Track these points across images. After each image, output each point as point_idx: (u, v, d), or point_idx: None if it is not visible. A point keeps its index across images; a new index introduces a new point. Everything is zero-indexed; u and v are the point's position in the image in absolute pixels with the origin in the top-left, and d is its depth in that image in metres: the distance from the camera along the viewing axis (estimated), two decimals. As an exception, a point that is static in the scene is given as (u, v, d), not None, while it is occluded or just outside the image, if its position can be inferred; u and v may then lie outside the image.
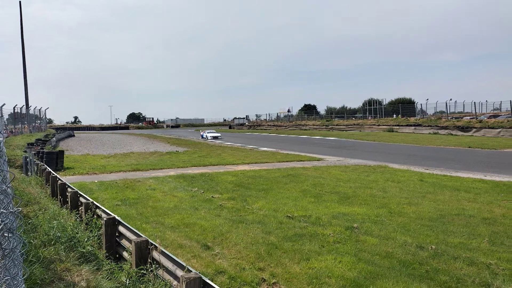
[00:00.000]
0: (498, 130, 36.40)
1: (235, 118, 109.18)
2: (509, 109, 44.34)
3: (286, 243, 6.48)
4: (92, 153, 26.36)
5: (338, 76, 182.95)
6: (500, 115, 47.25)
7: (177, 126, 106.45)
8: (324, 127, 61.40)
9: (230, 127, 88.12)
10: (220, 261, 5.81)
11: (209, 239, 6.79)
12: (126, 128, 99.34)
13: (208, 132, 43.88)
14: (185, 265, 4.31)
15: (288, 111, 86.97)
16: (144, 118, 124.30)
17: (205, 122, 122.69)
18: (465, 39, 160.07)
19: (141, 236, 5.34)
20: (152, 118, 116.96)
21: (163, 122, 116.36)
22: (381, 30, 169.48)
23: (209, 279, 4.23)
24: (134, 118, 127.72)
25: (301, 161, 19.26)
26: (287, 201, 9.79)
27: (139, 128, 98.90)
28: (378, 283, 4.94)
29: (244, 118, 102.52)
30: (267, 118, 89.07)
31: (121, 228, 5.94)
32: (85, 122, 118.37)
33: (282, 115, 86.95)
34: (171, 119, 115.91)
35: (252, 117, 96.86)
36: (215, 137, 41.75)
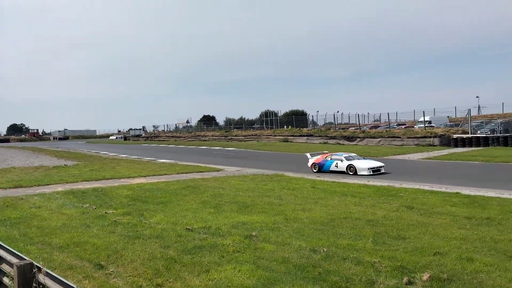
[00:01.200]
0: (378, 139, 40.25)
1: (131, 129, 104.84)
2: (387, 120, 49.40)
3: (186, 256, 6.39)
4: (-37, 169, 23.28)
5: (236, 88, 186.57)
6: (379, 126, 52.35)
7: (65, 138, 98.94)
8: (223, 137, 62.05)
9: (125, 139, 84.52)
10: (115, 280, 5.51)
11: (103, 258, 6.41)
12: (7, 140, 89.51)
13: (352, 160, 18.77)
14: (75, 287, 4.02)
15: (187, 122, 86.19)
16: (27, 129, 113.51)
17: (98, 133, 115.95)
18: (350, 57, 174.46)
19: (25, 259, 4.85)
20: (37, 129, 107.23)
21: (50, 134, 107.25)
22: (273, 46, 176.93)
23: (103, 300, 3.99)
24: (16, 129, 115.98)
25: (200, 172, 19.20)
26: (186, 213, 9.67)
27: (21, 140, 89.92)
28: (276, 288, 5.10)
29: (140, 129, 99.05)
30: (166, 129, 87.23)
31: (0, 252, 5.34)
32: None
33: (181, 126, 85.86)
34: (59, 131, 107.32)
35: (149, 128, 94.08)
36: (376, 170, 17.94)
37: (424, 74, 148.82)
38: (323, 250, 6.55)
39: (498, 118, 42.03)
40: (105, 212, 9.89)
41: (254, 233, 7.61)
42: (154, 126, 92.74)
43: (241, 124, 78.11)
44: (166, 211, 9.97)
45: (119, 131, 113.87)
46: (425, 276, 5.29)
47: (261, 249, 6.71)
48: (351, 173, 17.83)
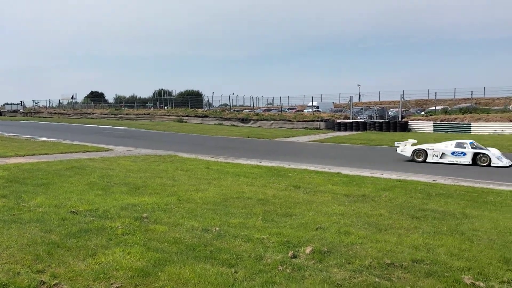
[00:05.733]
0: (271, 122, 41.84)
1: (7, 103, 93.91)
2: (280, 103, 51.52)
3: (70, 240, 6.03)
4: None
5: (127, 64, 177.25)
6: (272, 109, 54.42)
7: None
8: (113, 116, 59.03)
9: (0, 114, 75.82)
10: (-13, 269, 4.99)
11: (-28, 246, 5.74)
12: None
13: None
14: None
15: (72, 98, 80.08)
16: None
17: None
18: (247, 39, 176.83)
19: None
20: None
21: None
22: (170, 23, 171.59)
23: (-29, 291, 3.61)
24: None
25: (87, 151, 18.08)
26: (71, 195, 9.07)
27: None
28: (167, 268, 5.09)
29: (18, 104, 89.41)
30: (48, 105, 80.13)
31: None
32: None
33: (65, 102, 79.57)
34: None
35: (29, 104, 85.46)
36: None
37: (314, 61, 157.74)
38: (215, 229, 6.68)
39: (375, 106, 46.53)
40: (-26, 196, 8.83)
41: (145, 215, 7.45)
42: (34, 101, 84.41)
43: (133, 102, 75.10)
44: (48, 193, 9.24)
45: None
46: (308, 250, 5.72)
47: (152, 231, 6.61)
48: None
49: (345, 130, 36.62)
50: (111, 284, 4.67)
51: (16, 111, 77.54)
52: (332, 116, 41.01)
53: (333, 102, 55.94)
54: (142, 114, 56.33)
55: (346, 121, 38.34)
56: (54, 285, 4.61)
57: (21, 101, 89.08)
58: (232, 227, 6.88)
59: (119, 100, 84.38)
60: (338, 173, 12.91)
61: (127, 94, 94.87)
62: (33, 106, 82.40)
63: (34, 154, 16.63)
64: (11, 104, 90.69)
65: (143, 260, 5.36)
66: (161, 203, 8.45)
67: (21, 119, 61.37)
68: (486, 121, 33.46)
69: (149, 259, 5.39)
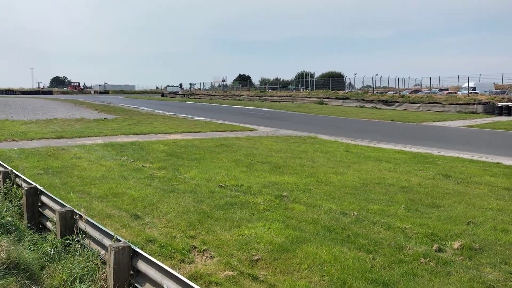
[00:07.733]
0: (418, 104, 38.92)
1: (168, 86, 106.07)
2: (429, 85, 47.51)
3: (218, 212, 6.57)
4: (11, 118, 24.50)
5: (272, 48, 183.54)
6: (420, 91, 50.52)
7: (106, 92, 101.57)
8: (258, 98, 61.78)
9: (162, 95, 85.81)
10: (151, 230, 5.77)
11: (139, 209, 6.69)
12: (50, 92, 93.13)
13: None
14: (113, 234, 4.23)
15: (223, 80, 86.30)
16: (69, 82, 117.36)
17: (136, 89, 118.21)
18: (392, 17, 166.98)
19: (66, 206, 5.14)
20: (79, 83, 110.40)
21: (91, 87, 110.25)
22: (313, 4, 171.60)
23: (139, 247, 4.20)
24: (59, 82, 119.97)
25: (234, 131, 19.37)
26: (219, 170, 9.86)
27: (63, 93, 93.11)
28: (304, 247, 5.20)
29: (177, 86, 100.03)
30: (201, 87, 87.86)
31: (44, 198, 5.68)
32: (2, 85, 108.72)
33: (216, 85, 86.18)
34: (100, 85, 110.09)
35: (186, 86, 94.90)
36: None
37: (472, 38, 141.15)
38: (353, 213, 6.56)
39: (550, 87, 39.58)
40: (142, 166, 10.23)
41: (285, 194, 7.70)
42: (190, 84, 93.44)
43: (276, 84, 77.43)
44: (200, 167, 10.21)
45: (157, 88, 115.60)
46: (456, 245, 5.24)
47: (291, 209, 6.81)
48: None
49: (508, 115, 32.13)
50: (253, 255, 4.97)
51: (175, 93, 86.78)
52: (492, 99, 36.26)
53: (494, 83, 49.34)
54: (284, 96, 57.76)
55: (510, 104, 33.53)
56: (203, 250, 5.10)
57: (179, 84, 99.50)
58: (372, 213, 6.67)
59: (264, 82, 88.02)
60: (497, 163, 11.44)
61: (271, 76, 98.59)
62: (190, 88, 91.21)
63: (189, 132, 18.50)
64: (171, 86, 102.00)
65: (282, 236, 5.56)
66: (300, 184, 8.62)
67: (179, 100, 68.46)
68: None
69: (288, 236, 5.57)
